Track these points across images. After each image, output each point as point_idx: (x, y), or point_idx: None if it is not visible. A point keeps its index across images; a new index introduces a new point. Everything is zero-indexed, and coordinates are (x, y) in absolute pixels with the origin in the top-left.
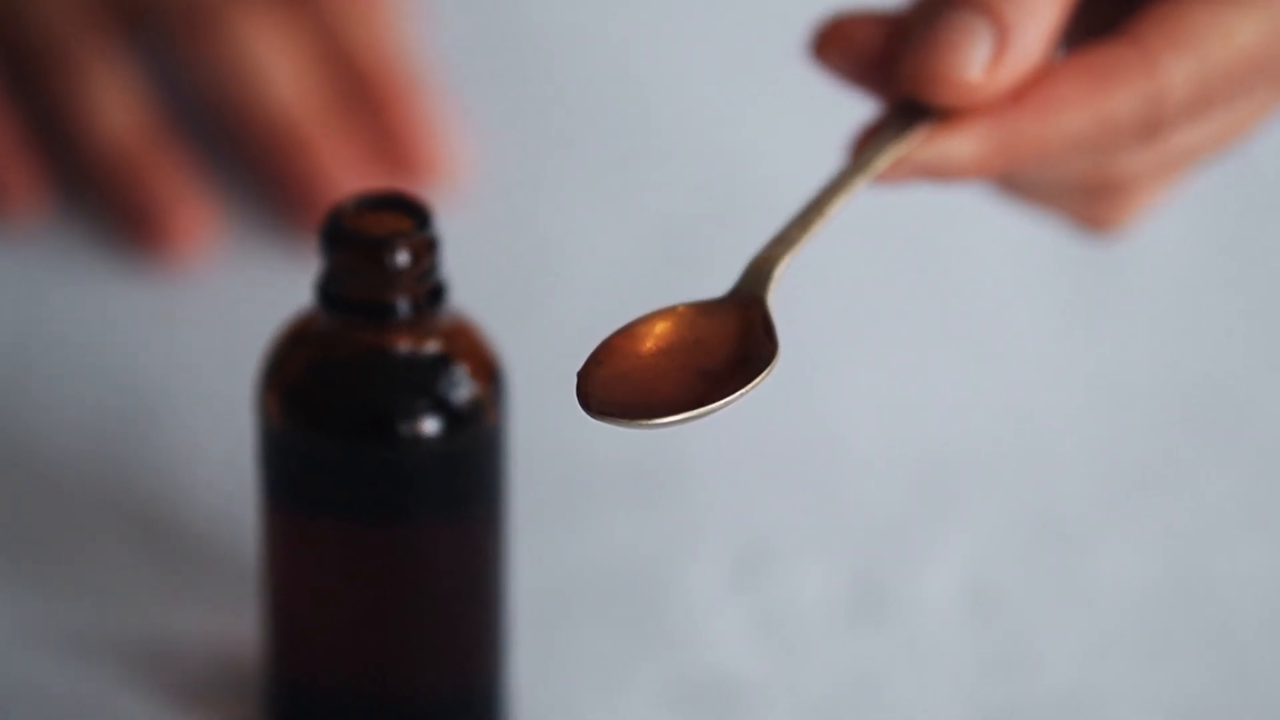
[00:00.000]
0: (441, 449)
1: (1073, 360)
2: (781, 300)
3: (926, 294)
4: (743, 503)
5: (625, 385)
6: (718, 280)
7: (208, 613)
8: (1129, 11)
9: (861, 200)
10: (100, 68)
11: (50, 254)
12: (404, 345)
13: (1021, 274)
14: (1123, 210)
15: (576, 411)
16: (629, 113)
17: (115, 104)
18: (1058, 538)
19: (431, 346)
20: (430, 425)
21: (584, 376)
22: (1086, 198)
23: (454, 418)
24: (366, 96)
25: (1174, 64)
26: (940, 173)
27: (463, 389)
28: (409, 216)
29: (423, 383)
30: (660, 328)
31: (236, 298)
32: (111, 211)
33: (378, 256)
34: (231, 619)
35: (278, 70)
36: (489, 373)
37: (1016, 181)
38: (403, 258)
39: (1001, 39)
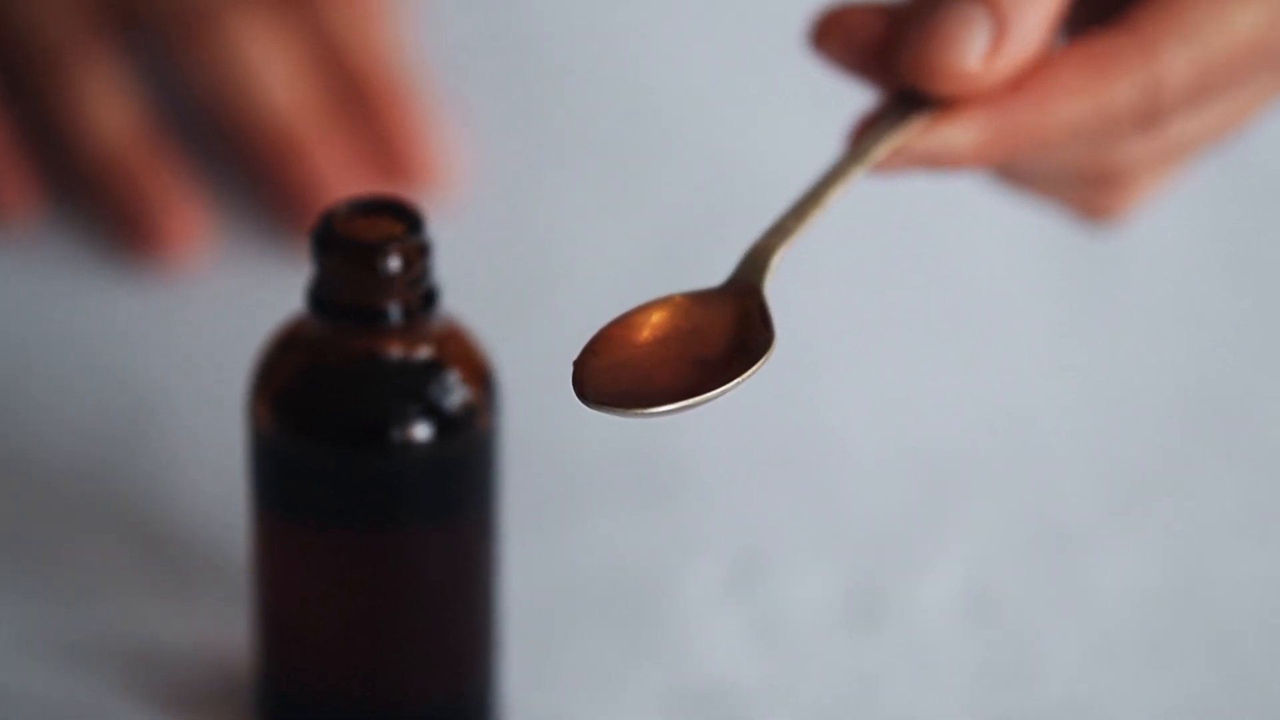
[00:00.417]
0: (433, 455)
1: (1073, 363)
2: (779, 301)
3: (924, 296)
4: (739, 507)
5: (621, 375)
6: (714, 283)
7: (200, 618)
8: (1128, 1)
9: (858, 199)
10: (95, 71)
11: (44, 258)
12: (396, 351)
13: (1020, 277)
14: (1122, 200)
15: (571, 416)
16: (625, 115)
17: (110, 107)
18: (1057, 542)
19: (423, 352)
20: (422, 431)
21: (580, 366)
22: (1085, 187)
23: (446, 423)
24: (362, 100)
25: (1173, 53)
26: (939, 162)
27: (455, 394)
28: (401, 221)
29: (414, 388)
30: (656, 317)
31: (231, 302)
32: (105, 215)
33: (369, 262)
34: (223, 624)
35: (273, 74)
36: (481, 378)
37: (1015, 171)
38: (394, 263)
39: (1000, 29)
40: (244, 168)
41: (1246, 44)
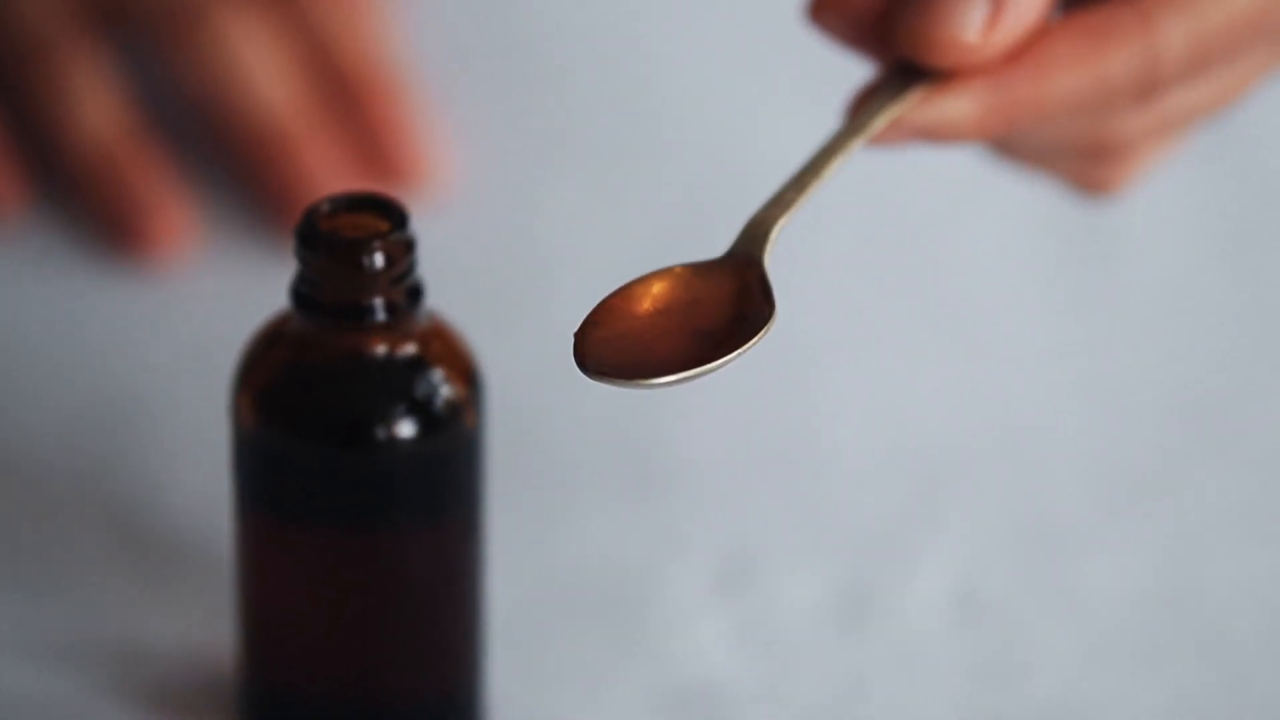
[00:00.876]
0: (418, 452)
1: (1065, 362)
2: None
3: (915, 294)
4: (727, 506)
5: (622, 346)
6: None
7: (184, 616)
8: None
9: (847, 197)
10: (82, 68)
11: (29, 255)
12: (380, 348)
13: (1012, 275)
14: (1119, 172)
15: (558, 414)
16: (613, 113)
17: (97, 104)
18: (1049, 542)
19: (408, 349)
20: (406, 429)
21: (580, 337)
22: (1083, 159)
23: (431, 421)
24: (350, 98)
25: (1170, 25)
26: (937, 134)
27: (440, 392)
28: (385, 218)
29: (399, 386)
30: (657, 288)
31: (218, 299)
32: (91, 213)
33: (353, 259)
34: (208, 623)
35: (261, 71)
36: (466, 375)
37: (1012, 143)
38: (378, 260)
39: (998, 1)
40: (232, 165)
41: (1243, 16)
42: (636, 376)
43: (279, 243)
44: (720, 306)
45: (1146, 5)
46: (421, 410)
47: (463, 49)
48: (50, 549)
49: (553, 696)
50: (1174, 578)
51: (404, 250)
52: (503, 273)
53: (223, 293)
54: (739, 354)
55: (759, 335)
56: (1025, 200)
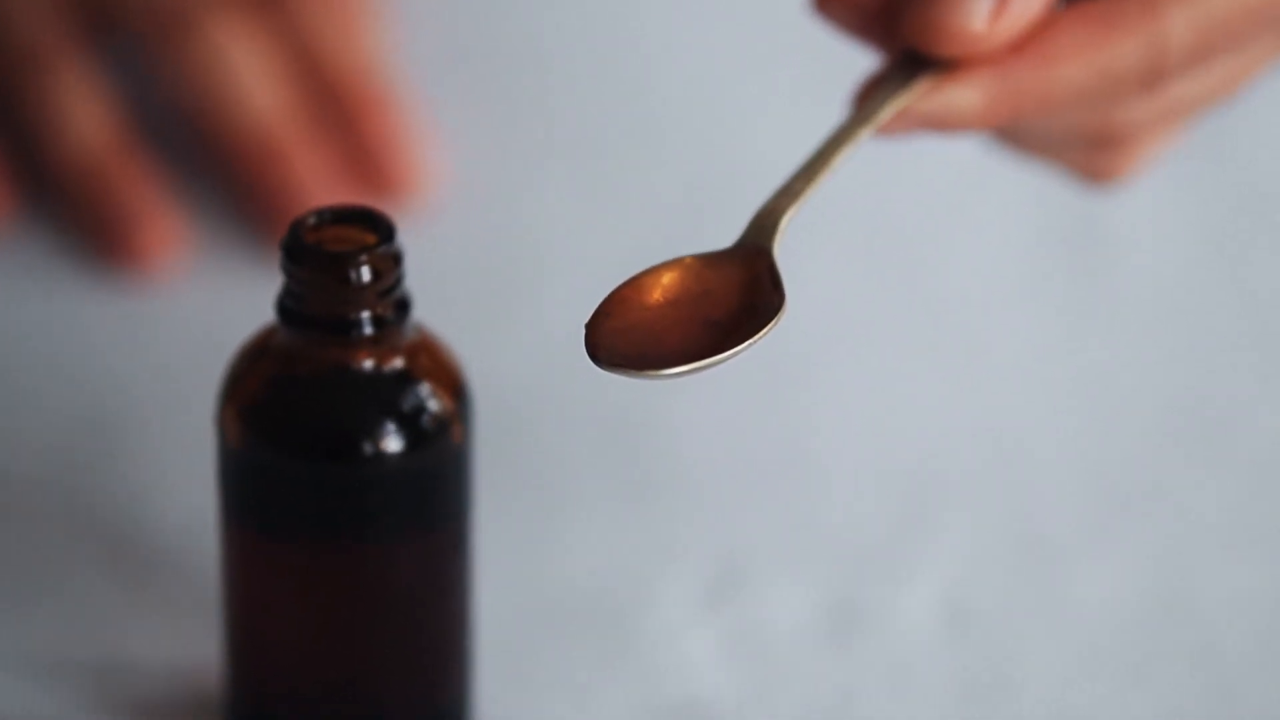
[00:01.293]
0: (405, 467)
1: (1054, 375)
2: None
3: (905, 307)
4: (716, 519)
5: (633, 337)
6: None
7: (171, 630)
8: None
9: (839, 211)
10: (71, 76)
11: (16, 264)
12: (367, 362)
13: (1002, 289)
14: (1123, 161)
15: (546, 427)
16: (604, 123)
17: (85, 113)
18: (1038, 555)
19: (395, 363)
20: (393, 443)
21: (592, 328)
22: (1088, 148)
23: (418, 435)
24: (340, 108)
25: (1175, 14)
26: (943, 123)
27: (426, 406)
28: (372, 231)
29: (386, 400)
30: (668, 278)
31: (207, 311)
32: (79, 222)
33: (339, 272)
34: (194, 637)
35: (251, 80)
36: (454, 390)
37: (1017, 133)
38: (365, 273)
39: None
40: (221, 174)
41: (1247, 5)
42: (648, 367)
43: (269, 253)
44: (730, 297)
45: None
46: (408, 425)
47: (453, 59)
48: (35, 562)
49: (542, 711)
50: (1165, 590)
51: (391, 263)
52: (491, 284)
53: (212, 303)
54: (750, 344)
55: (769, 326)
56: (1016, 211)
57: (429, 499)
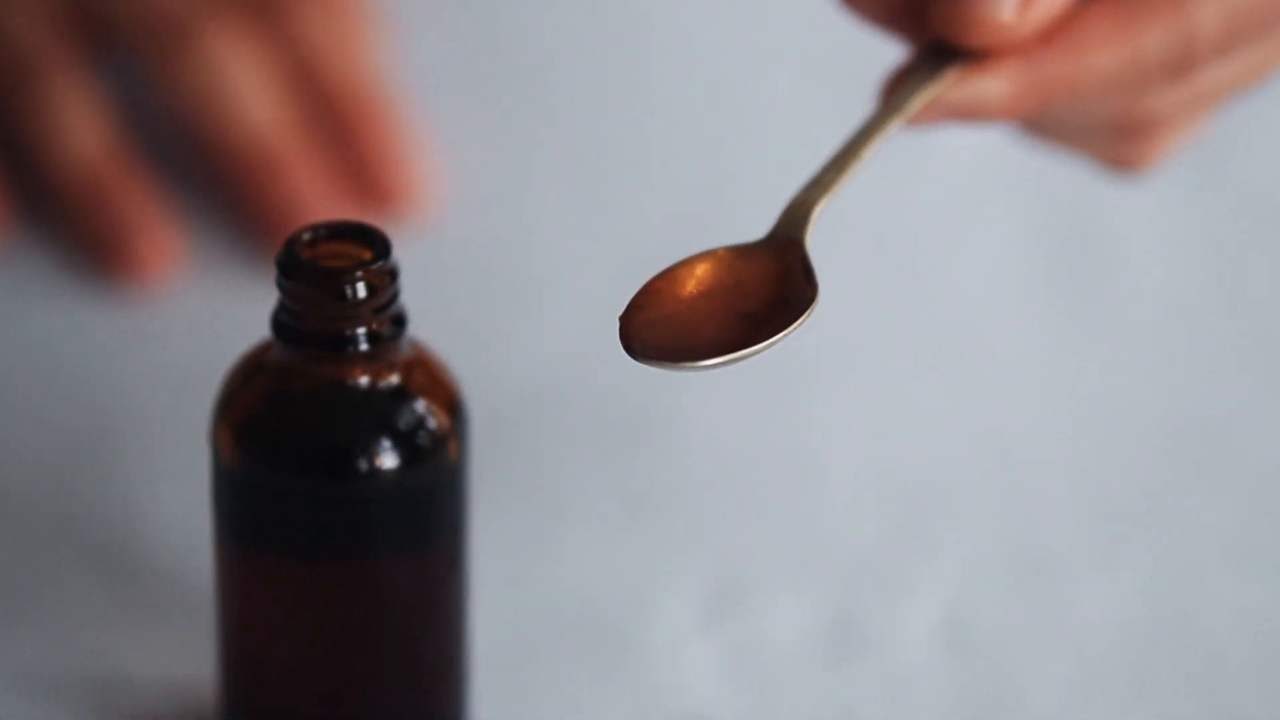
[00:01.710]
0: (400, 483)
1: (1054, 390)
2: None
3: (904, 320)
4: (714, 535)
5: (668, 329)
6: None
7: (165, 647)
8: None
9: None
10: (68, 88)
11: (12, 278)
12: (362, 379)
13: (1001, 303)
14: (1150, 150)
15: (543, 444)
16: (602, 138)
17: (83, 125)
18: (1039, 571)
19: (390, 380)
20: (388, 460)
21: (626, 321)
22: (1115, 137)
23: (413, 452)
24: (337, 120)
25: (1204, 2)
26: (972, 114)
27: (422, 422)
28: (367, 246)
29: (381, 417)
30: (701, 270)
31: (204, 325)
32: (76, 236)
33: (334, 288)
34: (189, 653)
35: (248, 92)
36: (450, 406)
37: (1045, 123)
38: (360, 289)
39: None
40: (219, 187)
41: None
42: (683, 359)
43: (266, 266)
44: (763, 288)
45: None
46: (404, 441)
47: (450, 72)
48: (29, 577)
49: None
50: (1166, 605)
51: (386, 279)
52: (487, 298)
53: (209, 317)
54: (784, 335)
55: (803, 317)
56: (1016, 223)
57: (424, 515)
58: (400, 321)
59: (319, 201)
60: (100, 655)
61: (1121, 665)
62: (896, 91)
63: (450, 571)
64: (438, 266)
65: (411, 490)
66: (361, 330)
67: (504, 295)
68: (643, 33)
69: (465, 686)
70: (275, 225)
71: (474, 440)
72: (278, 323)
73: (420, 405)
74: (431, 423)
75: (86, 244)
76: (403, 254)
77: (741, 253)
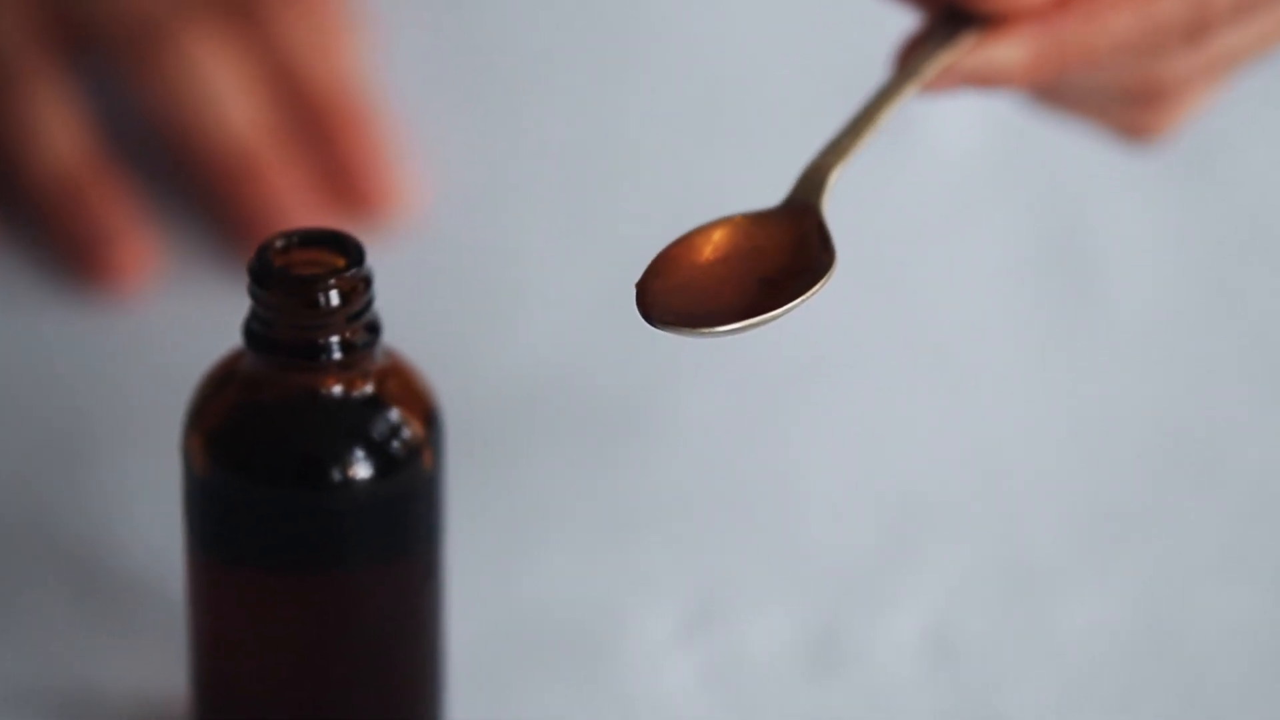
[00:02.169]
0: (374, 494)
1: (1039, 402)
2: (742, 339)
3: (888, 332)
4: (695, 548)
5: (685, 295)
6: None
7: (137, 660)
8: None
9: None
10: (44, 92)
11: None
12: (336, 388)
13: (988, 315)
14: (1165, 116)
15: (521, 455)
16: (584, 146)
17: (59, 130)
18: (1023, 584)
19: (364, 389)
20: (362, 470)
21: (643, 288)
22: (1130, 104)
23: (387, 462)
24: (318, 124)
25: None
26: (988, 80)
27: (397, 433)
28: (340, 254)
29: (355, 426)
30: (718, 235)
31: (180, 332)
32: (51, 240)
33: (307, 296)
34: (161, 666)
35: (228, 96)
36: (424, 415)
37: (1059, 90)
38: (333, 297)
39: None
40: (197, 192)
41: None
42: (701, 325)
43: (244, 272)
44: (780, 255)
45: None
46: (378, 451)
47: (431, 76)
48: None
49: None
50: (1153, 620)
51: (360, 287)
52: (466, 306)
53: (185, 323)
54: (801, 301)
55: (820, 283)
56: (1005, 236)
57: (399, 526)
58: (374, 329)
59: (298, 207)
60: (70, 667)
61: (1107, 679)
62: (911, 58)
63: (425, 582)
64: (416, 272)
65: (385, 500)
66: (335, 339)
67: (483, 302)
68: (628, 39)
69: (441, 699)
70: (254, 231)
71: (451, 449)
72: (250, 331)
73: (394, 414)
74: (406, 432)
75: (61, 249)
76: (381, 260)
77: (758, 218)
